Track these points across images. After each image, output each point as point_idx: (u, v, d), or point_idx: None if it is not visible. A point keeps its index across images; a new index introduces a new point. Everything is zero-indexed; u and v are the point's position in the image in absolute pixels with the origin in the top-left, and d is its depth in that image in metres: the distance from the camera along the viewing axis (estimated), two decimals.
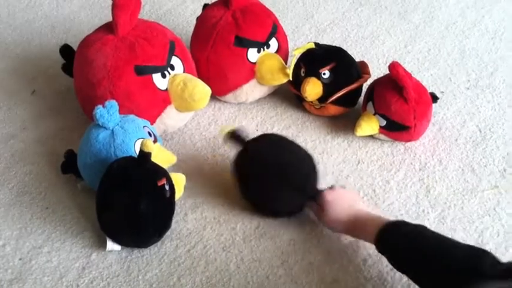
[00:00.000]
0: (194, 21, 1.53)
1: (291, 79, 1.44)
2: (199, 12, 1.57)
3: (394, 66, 1.30)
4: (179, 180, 1.21)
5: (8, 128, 1.47)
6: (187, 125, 1.46)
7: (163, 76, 1.30)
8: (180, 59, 1.34)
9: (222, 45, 1.41)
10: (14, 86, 1.61)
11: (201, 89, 1.31)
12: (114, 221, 1.13)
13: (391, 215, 1.23)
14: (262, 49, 1.43)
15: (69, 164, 1.27)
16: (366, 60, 1.50)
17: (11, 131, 1.46)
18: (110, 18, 1.31)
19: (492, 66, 1.65)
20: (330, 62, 1.39)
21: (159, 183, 1.11)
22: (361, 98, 1.45)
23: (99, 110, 1.16)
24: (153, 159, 1.12)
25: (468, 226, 1.22)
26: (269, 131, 1.45)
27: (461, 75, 1.62)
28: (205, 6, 1.56)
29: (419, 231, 1.03)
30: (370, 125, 1.36)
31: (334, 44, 1.52)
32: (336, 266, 1.15)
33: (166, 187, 1.12)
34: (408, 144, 1.40)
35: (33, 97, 1.57)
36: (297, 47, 1.45)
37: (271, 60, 1.44)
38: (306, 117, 1.49)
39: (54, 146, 1.40)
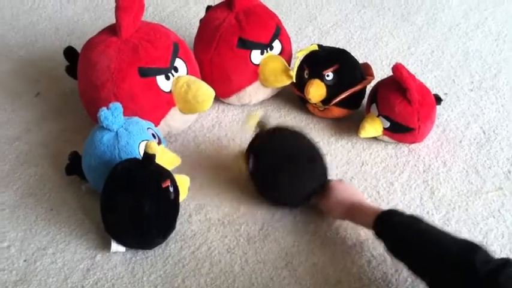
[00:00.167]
0: (197, 23, 1.53)
1: (294, 81, 1.44)
2: (202, 14, 1.57)
3: (398, 68, 1.30)
4: (183, 182, 1.22)
5: (12, 130, 1.48)
6: (191, 126, 1.46)
7: (167, 78, 1.31)
8: (183, 61, 1.34)
9: (225, 47, 1.41)
10: (18, 88, 1.61)
11: (205, 91, 1.32)
12: (118, 223, 1.14)
13: None
14: (265, 51, 1.44)
15: (73, 166, 1.27)
16: (369, 62, 1.50)
17: (15, 133, 1.46)
18: (113, 21, 1.31)
19: (496, 67, 1.65)
20: (334, 63, 1.39)
21: (164, 185, 1.11)
22: (365, 100, 1.45)
23: (103, 112, 1.16)
24: (157, 161, 1.12)
25: (473, 228, 1.22)
26: None
27: (464, 77, 1.62)
28: (209, 8, 1.56)
29: (415, 221, 1.06)
30: (374, 127, 1.36)
31: (337, 46, 1.52)
32: (340, 267, 1.15)
33: (171, 189, 1.12)
34: (412, 146, 1.40)
35: (37, 99, 1.57)
36: (300, 49, 1.46)
37: (275, 62, 1.44)
38: (310, 119, 1.49)
39: (58, 148, 1.41)
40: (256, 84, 1.47)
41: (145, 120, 1.25)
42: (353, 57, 1.45)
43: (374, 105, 1.37)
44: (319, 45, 1.43)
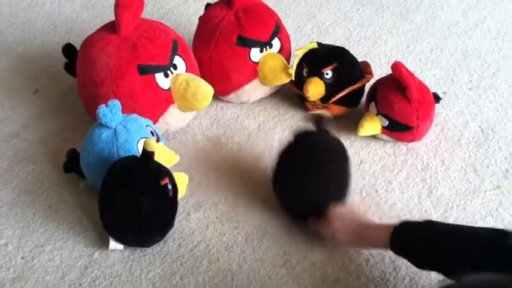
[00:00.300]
0: (196, 21, 1.53)
1: (293, 79, 1.44)
2: (201, 11, 1.57)
3: (397, 66, 1.30)
4: (182, 180, 1.21)
5: (10, 126, 1.47)
6: (189, 124, 1.46)
7: (166, 75, 1.30)
8: (182, 58, 1.34)
9: (224, 45, 1.41)
10: (16, 85, 1.61)
11: (204, 89, 1.31)
12: (116, 220, 1.13)
13: (394, 216, 1.23)
14: (264, 49, 1.43)
15: (71, 163, 1.27)
16: (368, 60, 1.50)
17: (13, 130, 1.46)
18: (112, 18, 1.31)
19: (494, 66, 1.65)
20: (333, 62, 1.39)
21: (162, 183, 1.11)
22: (364, 98, 1.45)
23: (102, 109, 1.16)
24: (156, 158, 1.12)
25: None
26: (271, 131, 1.45)
27: (463, 75, 1.62)
28: (208, 5, 1.56)
29: (432, 222, 1.05)
30: (372, 125, 1.36)
31: (336, 44, 1.52)
32: (338, 265, 1.15)
33: (169, 186, 1.12)
34: (410, 144, 1.40)
35: (36, 96, 1.57)
36: (300, 47, 1.45)
37: (274, 60, 1.44)
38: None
39: (56, 145, 1.40)
40: (255, 82, 1.46)
41: (144, 117, 1.25)
42: (352, 56, 1.45)
43: (373, 104, 1.37)
44: (318, 43, 1.43)
